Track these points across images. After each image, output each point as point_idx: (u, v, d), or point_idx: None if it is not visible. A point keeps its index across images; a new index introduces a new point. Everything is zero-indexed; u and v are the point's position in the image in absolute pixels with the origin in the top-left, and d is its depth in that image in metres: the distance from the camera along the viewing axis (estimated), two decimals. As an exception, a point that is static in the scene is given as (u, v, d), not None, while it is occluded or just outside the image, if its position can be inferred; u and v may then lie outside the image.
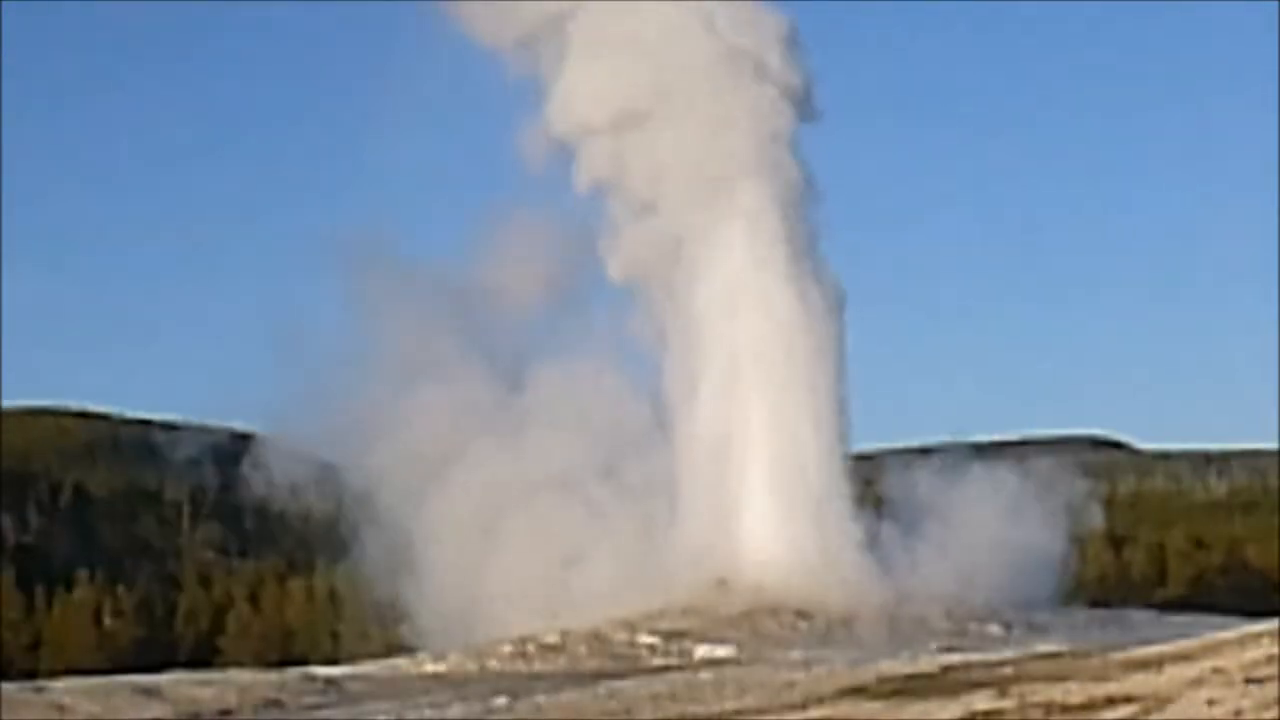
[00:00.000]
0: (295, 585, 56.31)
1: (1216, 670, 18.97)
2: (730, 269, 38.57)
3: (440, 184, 44.01)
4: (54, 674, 39.69)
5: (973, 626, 33.93)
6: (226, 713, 26.53)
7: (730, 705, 22.21)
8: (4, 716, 25.65)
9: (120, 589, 56.70)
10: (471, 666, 32.00)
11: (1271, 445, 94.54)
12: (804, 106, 39.71)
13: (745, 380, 38.07)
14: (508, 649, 33.11)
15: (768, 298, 38.33)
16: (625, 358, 40.42)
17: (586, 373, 40.06)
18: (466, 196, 42.83)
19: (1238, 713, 16.43)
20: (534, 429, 39.90)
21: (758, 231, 38.66)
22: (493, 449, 39.57)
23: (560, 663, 31.62)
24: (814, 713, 20.68)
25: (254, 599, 55.72)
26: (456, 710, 24.44)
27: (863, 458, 41.06)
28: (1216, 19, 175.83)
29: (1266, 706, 16.46)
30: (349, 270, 41.74)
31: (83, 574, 58.40)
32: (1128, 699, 18.12)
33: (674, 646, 32.24)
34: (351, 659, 40.24)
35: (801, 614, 34.18)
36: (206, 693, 27.82)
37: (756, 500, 37.23)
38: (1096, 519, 45.27)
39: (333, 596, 53.90)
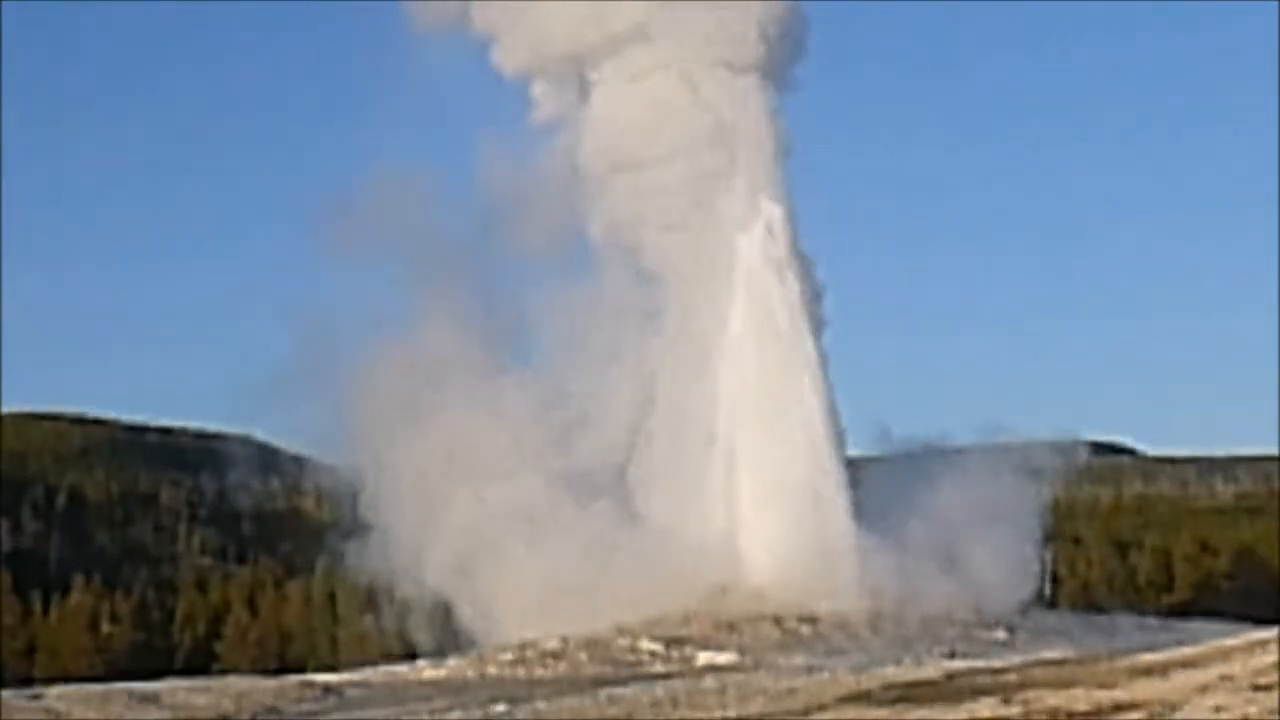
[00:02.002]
0: (293, 590, 56.17)
1: (1223, 677, 18.96)
2: (711, 259, 38.29)
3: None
4: (50, 680, 39.52)
5: (977, 632, 33.77)
6: (224, 719, 26.40)
7: (732, 712, 22.10)
8: (-1, 723, 25.57)
9: (117, 594, 56.57)
10: (471, 673, 31.87)
11: (1277, 450, 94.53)
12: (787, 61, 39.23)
13: (739, 381, 37.86)
14: (507, 655, 32.95)
15: (754, 296, 38.08)
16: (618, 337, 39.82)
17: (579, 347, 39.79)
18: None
19: (1244, 719, 16.34)
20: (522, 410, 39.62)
21: (741, 216, 38.39)
22: (482, 432, 39.26)
23: (560, 669, 31.48)
24: (817, 719, 20.56)
25: (251, 604, 55.56)
26: (456, 716, 24.32)
27: (864, 460, 40.76)
28: (1216, 19, 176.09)
29: (1273, 713, 16.41)
30: (344, 238, 41.33)
31: (79, 579, 58.27)
32: (1134, 705, 18.05)
33: (675, 653, 32.09)
34: (350, 664, 40.11)
35: (804, 620, 34.02)
36: (203, 699, 27.76)
37: (757, 505, 37.02)
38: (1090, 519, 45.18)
39: (331, 601, 53.79)
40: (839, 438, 37.77)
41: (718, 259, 38.46)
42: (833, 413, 37.69)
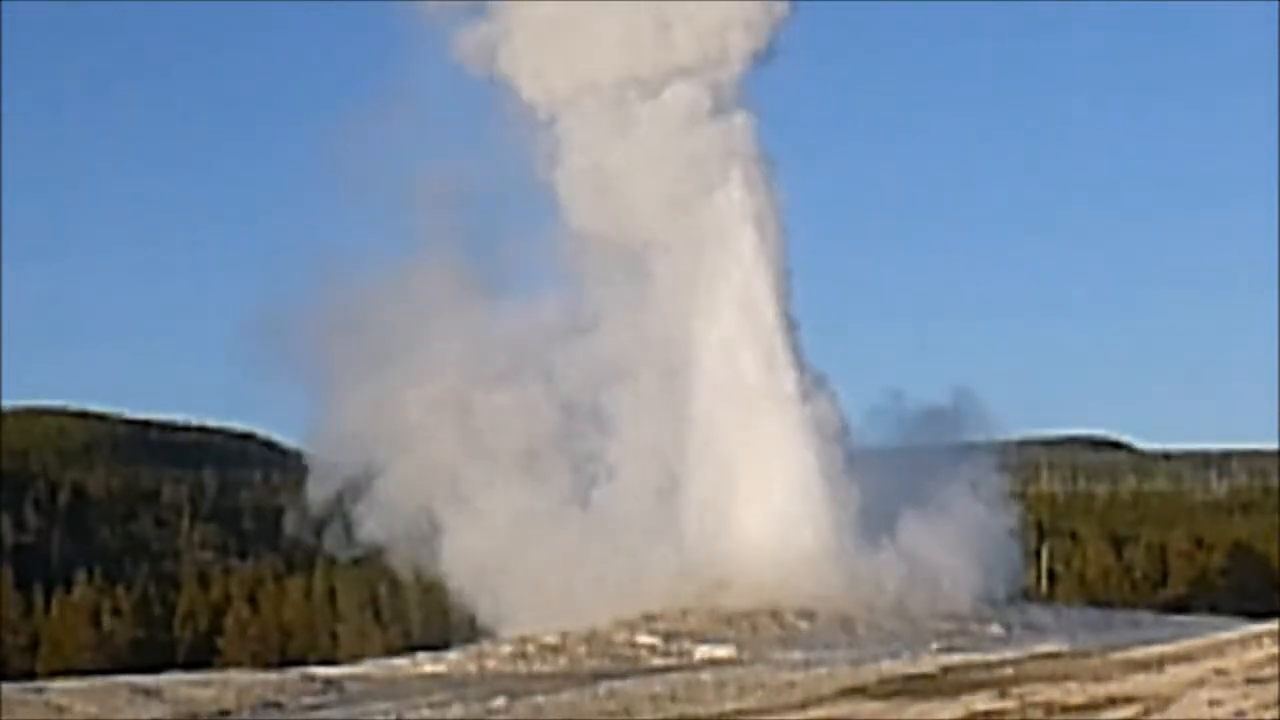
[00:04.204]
0: (293, 585, 56.34)
1: (1218, 671, 18.99)
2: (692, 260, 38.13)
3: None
4: (52, 674, 39.71)
5: (973, 627, 33.87)
6: (225, 713, 26.48)
7: (730, 706, 22.16)
8: (2, 717, 25.62)
9: (118, 589, 56.71)
10: (471, 667, 31.94)
11: (1272, 446, 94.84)
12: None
13: (721, 375, 37.81)
14: (507, 649, 33.05)
15: (734, 290, 37.96)
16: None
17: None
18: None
19: (1239, 713, 16.41)
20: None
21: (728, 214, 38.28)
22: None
23: (560, 663, 31.55)
24: (814, 713, 20.65)
25: (252, 599, 55.73)
26: (456, 711, 24.40)
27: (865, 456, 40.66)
28: (1216, 19, 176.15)
29: (1268, 707, 16.43)
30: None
31: (81, 574, 58.46)
32: (1129, 699, 18.08)
33: (674, 646, 32.16)
34: (350, 659, 40.19)
35: (801, 614, 34.09)
36: (205, 693, 27.77)
37: (755, 499, 37.02)
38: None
39: (331, 595, 53.97)
40: (831, 430, 37.62)
41: (694, 249, 38.29)
42: (824, 405, 37.62)
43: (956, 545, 35.91)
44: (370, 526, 39.09)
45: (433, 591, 40.30)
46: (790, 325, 38.07)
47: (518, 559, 37.61)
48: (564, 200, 38.61)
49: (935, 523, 36.32)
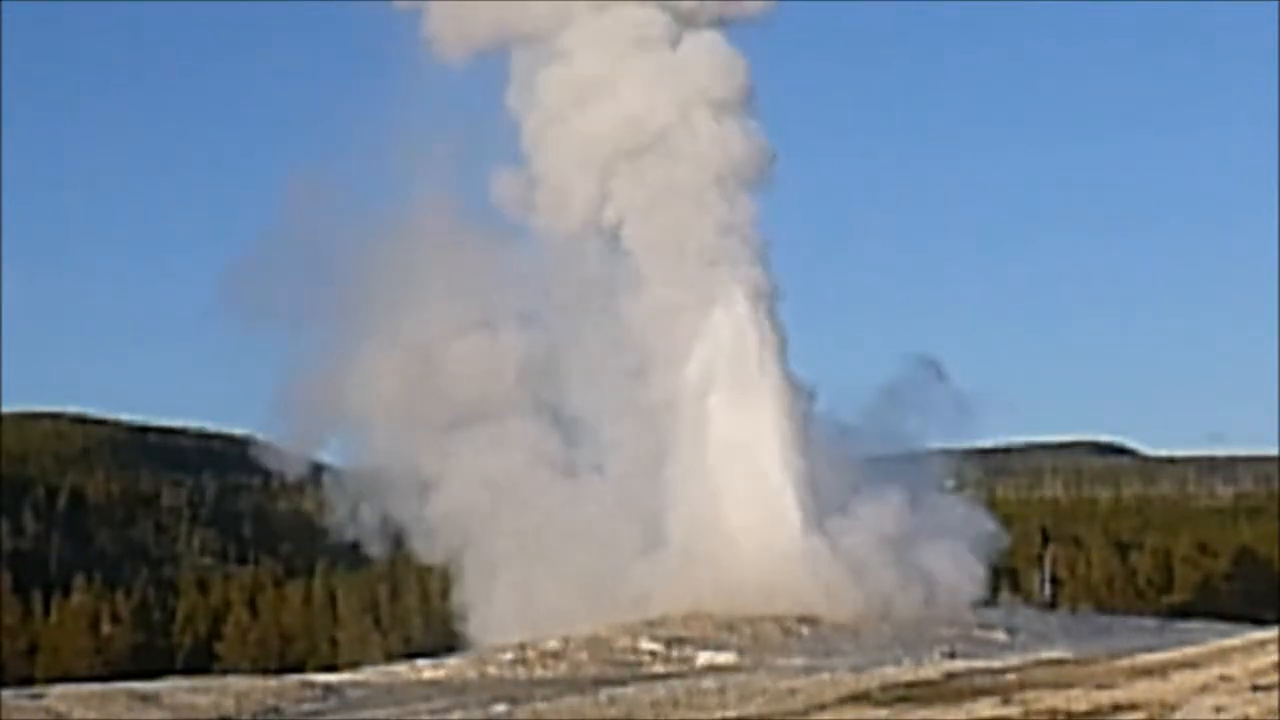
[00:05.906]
0: (293, 590, 56.33)
1: (1223, 677, 18.98)
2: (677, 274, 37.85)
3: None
4: (51, 680, 39.60)
5: (976, 632, 33.79)
6: (225, 719, 26.44)
7: (732, 712, 22.09)
8: (0, 723, 25.60)
9: (117, 595, 56.69)
10: (471, 673, 31.88)
11: (1277, 451, 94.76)
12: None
13: (740, 387, 37.68)
14: (508, 655, 32.97)
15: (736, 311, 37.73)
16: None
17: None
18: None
19: (1244, 719, 16.36)
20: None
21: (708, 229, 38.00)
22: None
23: (561, 669, 31.48)
24: (817, 719, 20.57)
25: (252, 604, 55.71)
26: (456, 717, 24.35)
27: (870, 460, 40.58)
28: (1216, 19, 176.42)
29: (1273, 713, 16.41)
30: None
31: (80, 580, 58.44)
32: (1134, 706, 18.05)
33: (675, 653, 32.08)
34: (350, 665, 40.12)
35: (804, 620, 34.00)
36: (204, 699, 27.76)
37: (757, 504, 36.93)
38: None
39: (331, 601, 53.94)
40: (814, 431, 37.47)
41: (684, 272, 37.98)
42: (808, 406, 37.56)
43: (934, 541, 35.88)
44: (345, 507, 39.14)
45: (432, 597, 40.20)
46: (776, 328, 37.92)
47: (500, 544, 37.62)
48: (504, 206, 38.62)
49: (911, 521, 36.23)
